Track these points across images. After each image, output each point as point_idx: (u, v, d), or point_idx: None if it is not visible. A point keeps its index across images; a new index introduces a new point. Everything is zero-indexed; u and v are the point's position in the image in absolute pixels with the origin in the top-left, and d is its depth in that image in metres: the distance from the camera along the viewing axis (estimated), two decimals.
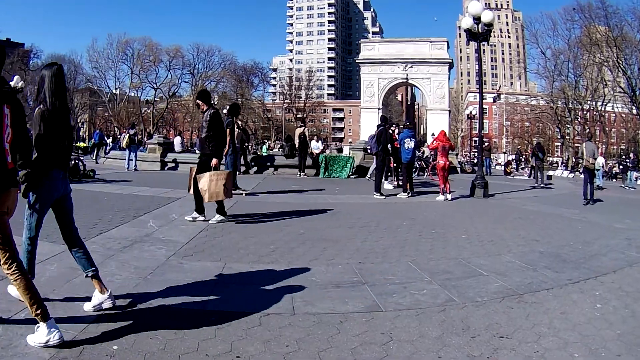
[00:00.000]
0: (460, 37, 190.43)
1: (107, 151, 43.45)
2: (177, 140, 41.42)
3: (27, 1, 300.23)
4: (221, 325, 5.56)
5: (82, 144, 49.81)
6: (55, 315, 5.63)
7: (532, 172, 36.42)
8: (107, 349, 5.00)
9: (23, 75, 60.82)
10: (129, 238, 10.42)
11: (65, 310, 6.03)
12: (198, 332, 5.39)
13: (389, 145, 19.75)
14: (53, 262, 8.28)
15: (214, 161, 12.89)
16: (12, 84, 36.14)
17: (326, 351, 4.92)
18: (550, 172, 42.33)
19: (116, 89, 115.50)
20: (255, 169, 30.70)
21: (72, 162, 23.68)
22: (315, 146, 31.22)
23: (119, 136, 57.16)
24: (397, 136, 21.27)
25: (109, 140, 50.65)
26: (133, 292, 6.78)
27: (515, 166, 54.74)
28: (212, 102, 16.06)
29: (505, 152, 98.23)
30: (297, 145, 28.75)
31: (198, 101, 13.62)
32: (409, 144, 19.49)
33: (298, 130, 29.48)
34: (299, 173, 28.34)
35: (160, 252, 9.27)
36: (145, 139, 41.08)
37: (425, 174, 29.74)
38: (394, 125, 24.79)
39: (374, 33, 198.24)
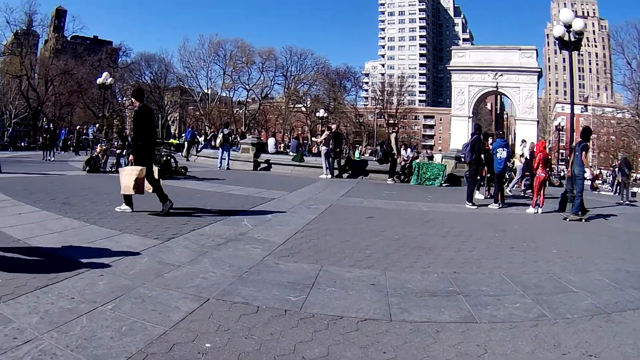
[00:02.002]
0: (548, 45, 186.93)
1: (198, 149, 44.03)
2: (271, 142, 41.57)
3: (116, 1, 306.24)
4: (318, 329, 5.52)
5: (174, 141, 50.48)
6: (145, 309, 5.87)
7: (618, 188, 35.52)
8: (199, 346, 5.01)
9: (112, 72, 61.99)
10: (223, 236, 10.54)
11: (155, 304, 6.11)
12: (295, 334, 5.36)
13: (482, 155, 19.41)
14: (144, 256, 8.42)
15: (131, 157, 13.37)
16: (100, 80, 37.05)
17: None
18: (634, 189, 41.21)
19: (208, 88, 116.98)
20: (348, 173, 30.67)
21: (164, 159, 24.08)
22: (404, 154, 31.14)
23: (209, 136, 57.75)
24: (490, 145, 20.91)
25: (201, 139, 51.13)
26: (228, 290, 6.80)
27: (601, 181, 53.56)
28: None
29: (591, 167, 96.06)
30: (393, 151, 28.52)
31: (132, 98, 14.71)
32: (502, 153, 19.17)
33: (393, 136, 29.28)
34: (390, 179, 28.16)
35: (255, 251, 9.31)
36: (239, 139, 41.40)
37: (515, 185, 29.35)
38: (486, 135, 24.43)
39: (464, 39, 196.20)
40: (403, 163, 29.61)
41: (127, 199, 13.21)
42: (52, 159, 35.23)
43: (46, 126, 46.98)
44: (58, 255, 8.23)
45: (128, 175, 12.80)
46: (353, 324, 5.69)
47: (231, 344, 5.06)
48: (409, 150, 33.61)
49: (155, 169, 13.51)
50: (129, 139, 30.34)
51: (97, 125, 52.11)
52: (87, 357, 4.63)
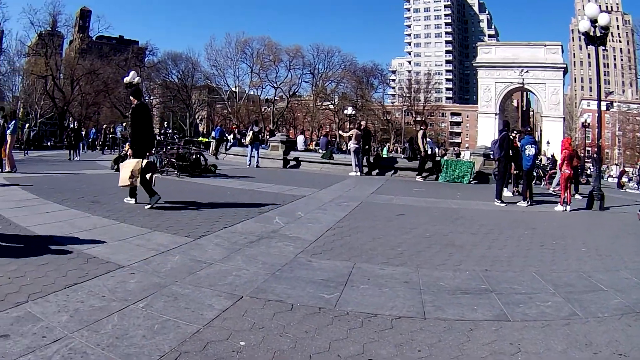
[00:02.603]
0: (573, 41, 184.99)
1: (228, 147, 44.01)
2: (300, 139, 41.72)
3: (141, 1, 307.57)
4: (353, 326, 5.50)
5: (204, 139, 50.53)
6: (177, 307, 5.89)
7: None
8: (233, 344, 4.99)
9: (139, 71, 62.26)
10: (255, 233, 10.57)
11: (188, 302, 6.12)
12: (330, 332, 5.35)
13: (510, 152, 19.16)
14: (175, 253, 8.44)
15: (130, 151, 14.17)
16: (127, 79, 37.30)
17: (457, 358, 4.83)
18: None
19: (236, 86, 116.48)
20: (377, 170, 30.52)
21: (194, 157, 24.17)
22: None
23: (239, 133, 57.74)
24: (518, 142, 20.66)
25: (230, 137, 51.22)
26: (261, 288, 6.81)
27: (627, 179, 53.01)
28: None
29: (617, 164, 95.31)
30: (422, 148, 28.39)
31: (131, 97, 14.98)
32: (530, 150, 18.85)
33: (420, 133, 29.05)
34: (419, 176, 28.06)
35: (287, 248, 9.32)
36: (268, 137, 41.44)
37: (543, 183, 29.03)
38: (514, 132, 24.22)
39: (489, 36, 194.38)
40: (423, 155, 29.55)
41: (131, 191, 13.95)
42: (77, 158, 35.31)
43: (72, 125, 47.15)
44: (87, 253, 8.25)
45: (126, 168, 13.36)
46: (387, 322, 5.67)
47: (266, 342, 5.04)
48: (432, 145, 33.36)
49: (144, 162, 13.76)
50: (160, 137, 30.55)
51: (124, 124, 52.39)
52: (118, 356, 4.63)
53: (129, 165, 13.41)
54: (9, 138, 22.39)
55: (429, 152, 28.95)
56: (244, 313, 5.84)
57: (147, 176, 13.61)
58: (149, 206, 13.29)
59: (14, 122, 23.19)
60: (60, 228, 10.08)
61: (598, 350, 5.24)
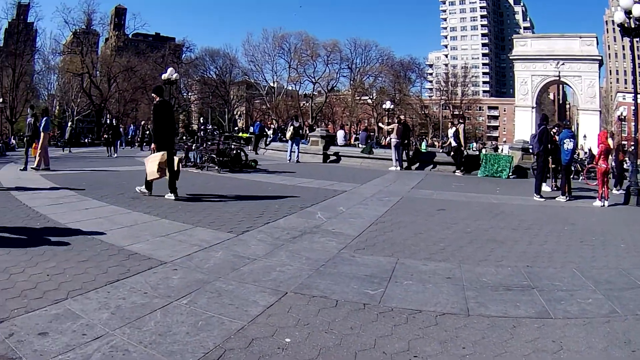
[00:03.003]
0: (607, 32, 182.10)
1: (267, 142, 44.13)
2: (340, 134, 41.80)
3: None
4: (398, 323, 5.50)
5: (244, 135, 50.60)
6: (221, 303, 5.92)
7: None
8: (278, 341, 4.97)
9: (176, 68, 62.48)
10: (298, 229, 10.61)
11: (232, 299, 6.14)
12: (375, 329, 5.34)
13: (550, 146, 18.90)
14: (218, 249, 8.49)
15: (153, 145, 14.83)
16: (165, 75, 37.48)
17: (501, 356, 4.81)
18: None
19: (274, 82, 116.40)
20: (416, 164, 30.40)
21: (234, 152, 24.22)
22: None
23: (279, 129, 57.72)
24: (556, 136, 20.30)
25: (270, 132, 51.17)
26: (306, 284, 6.82)
27: None
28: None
29: None
30: (461, 142, 28.36)
31: (153, 94, 15.80)
32: (569, 144, 18.55)
33: (461, 127, 29.00)
34: (457, 171, 27.91)
35: (331, 244, 9.34)
36: (307, 132, 41.46)
37: (580, 177, 28.73)
38: (554, 126, 23.81)
39: (525, 28, 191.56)
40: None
41: (148, 184, 14.41)
42: (115, 155, 34.98)
43: (108, 122, 47.40)
44: (128, 249, 8.32)
45: (152, 162, 13.95)
46: (432, 318, 5.67)
47: (311, 339, 5.04)
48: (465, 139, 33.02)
49: (176, 159, 14.65)
50: (201, 133, 30.66)
51: None
52: (162, 353, 4.65)
53: (155, 159, 14.08)
54: (41, 135, 22.56)
55: (453, 145, 28.84)
56: (288, 309, 5.86)
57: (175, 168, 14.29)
58: (168, 195, 14.02)
59: (45, 119, 23.30)
60: (100, 224, 10.16)
61: (636, 348, 5.21)
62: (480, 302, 6.30)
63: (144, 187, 14.39)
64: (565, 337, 5.36)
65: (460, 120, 31.50)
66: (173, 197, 13.95)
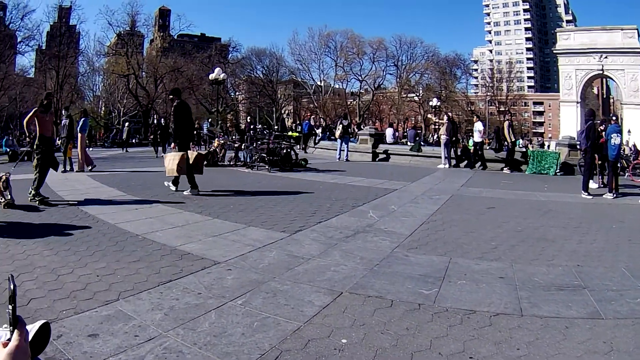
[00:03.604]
0: None
1: (316, 141, 44.19)
2: (389, 132, 41.44)
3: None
4: (453, 323, 5.49)
5: (294, 134, 50.74)
6: (277, 304, 5.95)
7: None
8: (335, 342, 4.96)
9: (223, 68, 62.67)
10: (351, 228, 10.64)
11: (287, 299, 6.17)
12: (430, 329, 5.32)
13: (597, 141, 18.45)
14: (272, 249, 8.55)
15: (173, 144, 15.97)
16: (212, 75, 37.61)
17: (554, 357, 4.76)
18: None
19: (321, 80, 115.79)
20: (464, 162, 30.25)
21: (284, 151, 24.29)
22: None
23: (327, 127, 57.72)
24: (603, 132, 19.93)
25: (319, 131, 51.14)
26: (361, 283, 6.82)
27: None
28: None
29: None
30: (508, 139, 27.99)
31: (171, 96, 17.45)
32: (616, 139, 17.89)
33: (506, 124, 28.72)
34: (506, 168, 27.54)
35: (384, 243, 9.36)
36: (355, 130, 41.48)
37: (626, 173, 28.30)
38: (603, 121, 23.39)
39: (567, 21, 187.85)
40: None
41: (175, 180, 15.56)
42: (163, 155, 34.75)
43: (154, 121, 47.69)
44: (181, 249, 8.40)
45: (172, 160, 14.90)
46: (486, 319, 5.65)
47: (367, 340, 5.01)
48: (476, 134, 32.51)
49: (192, 155, 15.78)
50: (250, 132, 30.82)
51: (210, 119, 52.87)
52: (217, 355, 4.64)
53: (175, 158, 15.02)
54: (79, 136, 22.79)
55: (477, 141, 28.63)
56: (344, 309, 5.86)
57: (198, 165, 15.67)
58: (187, 192, 14.95)
59: (83, 120, 23.50)
60: (151, 224, 10.33)
61: None
62: (533, 303, 6.25)
63: (171, 183, 15.46)
64: (616, 337, 5.29)
65: (506, 117, 31.20)
66: (194, 192, 14.98)
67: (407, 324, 5.48)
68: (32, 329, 2.11)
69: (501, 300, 6.32)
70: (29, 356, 1.88)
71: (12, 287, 1.79)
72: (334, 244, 9.10)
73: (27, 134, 14.47)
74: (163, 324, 5.28)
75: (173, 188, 15.33)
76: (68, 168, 22.10)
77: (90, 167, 22.55)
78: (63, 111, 24.75)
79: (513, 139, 27.92)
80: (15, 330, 1.82)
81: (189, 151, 15.59)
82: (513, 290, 6.72)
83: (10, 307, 1.81)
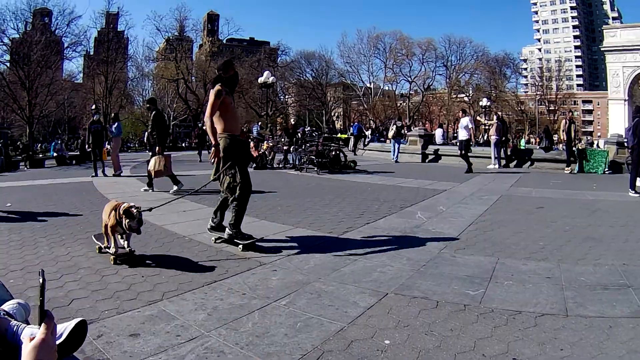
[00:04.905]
0: None
1: (366, 143, 44.09)
2: (438, 132, 41.35)
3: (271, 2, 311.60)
4: (498, 324, 5.45)
5: (343, 136, 50.63)
6: (321, 304, 6.01)
7: None
8: (378, 343, 4.92)
9: (272, 71, 63.02)
10: (398, 229, 10.63)
11: (332, 300, 6.19)
12: (474, 330, 5.27)
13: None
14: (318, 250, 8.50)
15: (158, 149, 16.74)
16: (261, 79, 37.95)
17: (596, 358, 4.69)
18: None
19: (370, 82, 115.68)
20: (514, 162, 30.05)
21: (333, 153, 24.34)
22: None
23: (377, 129, 57.81)
24: None
25: (368, 133, 51.20)
26: (406, 284, 6.80)
27: None
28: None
29: None
30: (563, 137, 27.39)
31: (148, 104, 19.31)
32: None
33: (563, 122, 28.13)
34: (567, 168, 26.86)
35: (432, 244, 9.27)
36: (406, 131, 41.59)
37: None
38: None
39: (613, 18, 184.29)
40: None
41: (149, 182, 16.93)
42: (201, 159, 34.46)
43: (200, 125, 48.09)
44: (227, 250, 8.50)
45: (158, 162, 16.58)
46: (531, 320, 5.58)
47: (411, 341, 4.97)
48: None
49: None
50: (298, 135, 30.99)
51: (260, 122, 53.24)
52: (258, 355, 4.65)
53: (161, 160, 16.64)
54: (113, 141, 23.04)
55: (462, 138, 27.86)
56: (388, 310, 5.83)
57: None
58: (173, 190, 16.31)
59: (117, 124, 23.80)
60: (199, 226, 10.37)
61: None
62: (579, 302, 6.17)
63: (146, 185, 17.08)
64: None
65: (566, 116, 30.77)
66: (180, 186, 16.47)
67: (451, 325, 5.43)
68: (69, 326, 2.14)
69: (547, 300, 6.23)
70: (55, 350, 1.90)
71: (41, 280, 1.82)
72: (384, 245, 9.04)
73: (210, 135, 9.37)
74: (206, 324, 5.34)
75: (149, 190, 16.66)
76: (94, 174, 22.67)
77: (118, 172, 22.99)
78: (94, 116, 24.83)
79: (571, 138, 27.08)
80: (42, 324, 1.84)
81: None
82: (559, 291, 6.63)
83: (39, 300, 1.83)
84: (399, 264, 7.81)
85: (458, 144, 28.57)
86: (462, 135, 26.01)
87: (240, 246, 8.53)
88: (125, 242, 7.91)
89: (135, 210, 7.50)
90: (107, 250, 7.88)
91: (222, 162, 8.68)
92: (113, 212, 7.59)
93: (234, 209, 8.83)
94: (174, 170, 16.76)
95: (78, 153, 38.79)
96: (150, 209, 8.27)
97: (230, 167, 8.69)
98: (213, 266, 7.54)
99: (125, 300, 6.01)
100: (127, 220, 7.41)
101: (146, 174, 17.10)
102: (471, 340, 5.05)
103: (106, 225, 7.74)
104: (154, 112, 17.36)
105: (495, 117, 32.77)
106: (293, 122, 44.40)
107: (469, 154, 25.66)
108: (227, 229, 8.86)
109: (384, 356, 4.69)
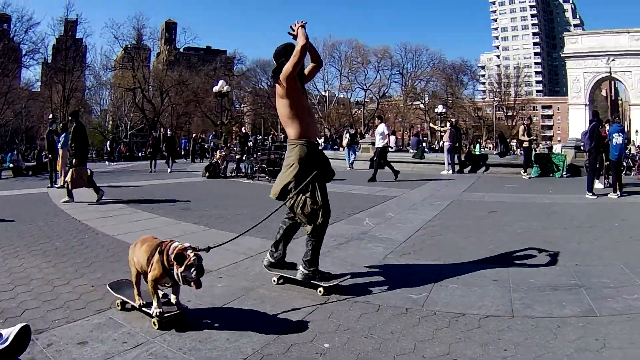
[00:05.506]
0: None
1: None
2: (391, 140, 41.27)
3: (224, 9, 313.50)
4: (440, 327, 5.47)
5: None
6: (264, 309, 6.03)
7: None
8: (317, 346, 5.02)
9: (228, 80, 63.19)
10: (345, 235, 10.62)
11: (274, 305, 6.24)
12: (415, 333, 5.31)
13: (601, 142, 18.55)
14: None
15: (75, 160, 16.67)
16: (216, 88, 37.87)
17: (542, 357, 4.72)
18: None
19: (325, 91, 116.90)
20: (469, 168, 30.41)
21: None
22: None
23: (330, 137, 58.04)
24: (606, 132, 19.78)
25: (321, 141, 51.42)
26: (348, 289, 6.80)
27: None
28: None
29: None
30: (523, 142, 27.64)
31: (70, 117, 20.09)
32: (617, 139, 17.87)
33: (522, 127, 28.38)
34: (525, 173, 27.11)
35: (377, 249, 9.34)
36: (359, 139, 41.85)
37: (632, 173, 28.13)
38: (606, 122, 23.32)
39: (575, 26, 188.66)
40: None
41: (68, 192, 16.50)
42: (169, 170, 32.89)
43: (155, 134, 47.68)
44: None
45: (72, 174, 16.51)
46: (475, 321, 5.61)
47: (350, 344, 5.05)
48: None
49: (89, 171, 17.09)
50: (250, 144, 31.03)
51: (214, 132, 53.32)
52: (199, 359, 4.75)
53: (79, 172, 16.57)
54: (60, 152, 22.82)
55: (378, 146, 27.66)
56: (329, 315, 5.87)
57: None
58: (96, 199, 16.25)
59: (64, 134, 23.40)
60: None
61: None
62: (526, 304, 6.21)
63: (66, 197, 16.39)
64: (609, 334, 5.23)
65: (523, 121, 31.12)
66: (100, 195, 16.42)
67: (392, 327, 5.46)
68: (13, 331, 2.04)
69: (493, 302, 6.27)
70: None
71: None
72: (326, 251, 8.87)
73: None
74: (151, 331, 5.39)
75: (67, 199, 16.24)
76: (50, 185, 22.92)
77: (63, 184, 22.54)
78: (51, 125, 25.20)
79: (527, 140, 27.35)
80: None
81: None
82: (506, 293, 6.67)
83: None
84: (343, 269, 7.75)
85: (374, 151, 28.73)
86: (379, 142, 25.85)
87: (321, 289, 6.71)
88: (173, 296, 5.87)
89: (192, 255, 5.35)
90: (145, 309, 5.74)
91: (299, 176, 6.83)
92: (157, 255, 5.54)
93: (312, 242, 7.01)
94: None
95: (35, 163, 38.43)
96: (208, 249, 5.71)
97: (308, 184, 6.75)
98: None
99: (75, 310, 6.04)
100: (181, 270, 5.34)
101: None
102: (411, 342, 5.06)
103: (144, 275, 5.72)
104: (74, 125, 17.38)
105: (448, 124, 33.19)
106: (244, 131, 44.34)
107: (387, 160, 26.07)
108: (301, 267, 6.99)
109: (323, 359, 4.78)
